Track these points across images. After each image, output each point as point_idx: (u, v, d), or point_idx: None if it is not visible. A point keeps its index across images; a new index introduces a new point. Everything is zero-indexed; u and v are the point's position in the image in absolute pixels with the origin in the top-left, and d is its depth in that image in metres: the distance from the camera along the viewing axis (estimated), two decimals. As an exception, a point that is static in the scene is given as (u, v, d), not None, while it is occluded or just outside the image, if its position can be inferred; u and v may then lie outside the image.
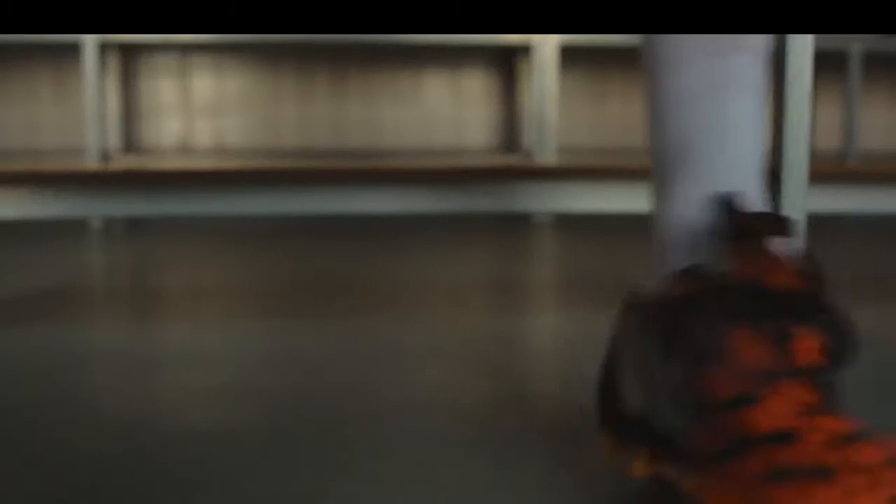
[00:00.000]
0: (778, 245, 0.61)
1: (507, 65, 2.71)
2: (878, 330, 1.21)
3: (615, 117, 2.82)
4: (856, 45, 2.65)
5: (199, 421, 0.80)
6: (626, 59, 2.82)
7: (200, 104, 2.63)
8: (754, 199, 0.68)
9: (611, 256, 1.85)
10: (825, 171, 1.11)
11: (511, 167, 1.08)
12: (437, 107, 2.68)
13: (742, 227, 0.60)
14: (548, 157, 2.39)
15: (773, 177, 1.07)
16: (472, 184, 1.07)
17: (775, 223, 0.60)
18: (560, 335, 1.14)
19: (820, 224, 2.49)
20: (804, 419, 0.52)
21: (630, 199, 1.16)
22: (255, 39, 2.37)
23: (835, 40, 2.73)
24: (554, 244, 2.04)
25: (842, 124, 2.91)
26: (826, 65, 2.91)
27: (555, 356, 1.04)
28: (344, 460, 0.70)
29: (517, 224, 2.39)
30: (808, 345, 0.56)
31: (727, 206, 0.62)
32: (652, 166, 0.71)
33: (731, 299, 0.58)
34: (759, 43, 0.71)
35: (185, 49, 2.61)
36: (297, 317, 1.24)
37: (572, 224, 2.41)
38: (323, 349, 1.06)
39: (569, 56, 2.72)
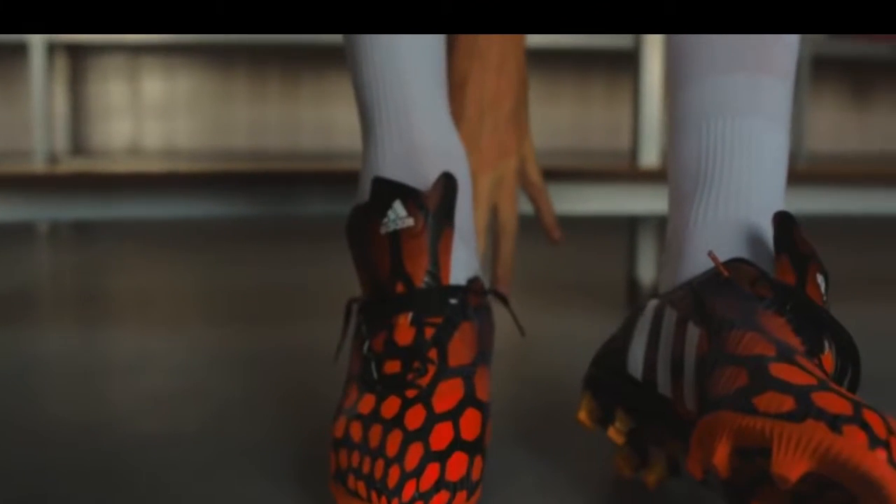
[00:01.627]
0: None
1: (461, 67, 2.71)
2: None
3: (554, 119, 2.84)
4: (804, 47, 2.69)
5: (150, 426, 0.79)
6: (554, 62, 2.83)
7: (150, 106, 2.60)
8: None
9: (563, 258, 1.85)
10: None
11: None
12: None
13: (797, 246, 0.59)
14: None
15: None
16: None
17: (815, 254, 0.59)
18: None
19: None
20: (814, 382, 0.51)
21: (586, 201, 1.16)
22: (205, 40, 2.34)
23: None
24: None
25: (791, 126, 2.95)
26: (775, 67, 2.94)
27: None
28: (294, 465, 0.70)
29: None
30: (828, 365, 0.57)
31: (785, 223, 0.60)
32: (670, 180, 0.70)
33: (772, 293, 0.58)
34: (785, 66, 0.69)
35: (135, 50, 2.58)
36: (248, 320, 1.23)
37: (527, 225, 2.42)
38: (272, 353, 1.05)
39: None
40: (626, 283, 1.40)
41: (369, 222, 0.63)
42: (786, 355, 0.53)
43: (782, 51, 0.69)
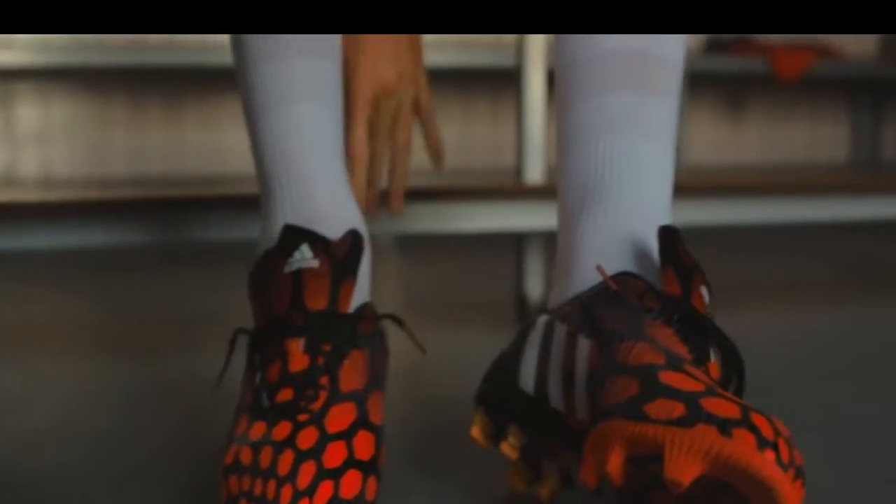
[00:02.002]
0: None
1: (345, 88, 2.70)
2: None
3: (458, 136, 2.86)
4: (680, 64, 2.76)
5: (29, 466, 0.76)
6: (449, 82, 2.86)
7: (25, 133, 2.52)
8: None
9: (451, 276, 1.86)
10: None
11: (350, 190, 1.08)
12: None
13: (681, 258, 0.60)
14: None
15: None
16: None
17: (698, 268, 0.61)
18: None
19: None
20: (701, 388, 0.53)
21: (472, 219, 1.17)
22: (81, 65, 2.29)
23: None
24: (396, 266, 2.04)
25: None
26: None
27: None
28: (183, 495, 0.68)
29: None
30: (714, 373, 0.58)
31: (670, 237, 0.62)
32: (559, 196, 0.70)
33: (659, 305, 0.59)
34: (669, 85, 0.71)
35: (8, 76, 2.51)
36: (129, 353, 1.20)
37: (415, 245, 2.43)
38: (155, 386, 1.03)
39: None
40: (515, 300, 1.42)
41: (274, 263, 0.62)
42: (674, 364, 0.55)
43: (666, 71, 0.71)
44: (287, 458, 0.55)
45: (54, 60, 2.25)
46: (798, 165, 3.26)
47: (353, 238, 0.64)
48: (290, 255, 0.62)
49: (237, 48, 0.71)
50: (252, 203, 1.07)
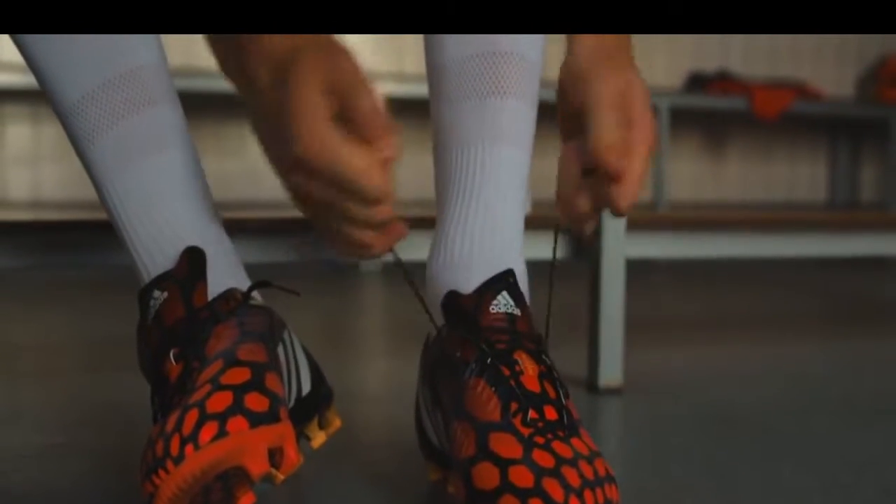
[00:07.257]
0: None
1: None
2: (667, 372, 1.27)
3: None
4: (663, 100, 2.80)
5: (21, 483, 0.76)
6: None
7: (15, 154, 2.53)
8: (512, 253, 0.71)
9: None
10: (639, 220, 1.18)
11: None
12: (264, 158, 2.66)
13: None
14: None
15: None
16: (297, 234, 1.07)
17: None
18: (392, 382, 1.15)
19: (635, 268, 2.59)
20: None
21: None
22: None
23: (644, 96, 2.86)
24: (382, 293, 2.05)
25: (653, 176, 3.05)
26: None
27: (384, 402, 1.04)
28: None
29: (345, 273, 2.39)
30: (532, 373, 0.64)
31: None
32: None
33: (475, 356, 0.65)
34: (524, 87, 0.70)
35: (-2, 98, 2.52)
36: (119, 371, 1.21)
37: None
38: (146, 404, 1.03)
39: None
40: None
41: (142, 326, 0.69)
42: (483, 453, 0.60)
43: (523, 72, 0.71)
44: (174, 416, 0.59)
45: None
46: (777, 204, 3.30)
47: (189, 254, 0.69)
48: (147, 307, 0.69)
49: (70, 128, 0.76)
50: (245, 227, 1.08)
